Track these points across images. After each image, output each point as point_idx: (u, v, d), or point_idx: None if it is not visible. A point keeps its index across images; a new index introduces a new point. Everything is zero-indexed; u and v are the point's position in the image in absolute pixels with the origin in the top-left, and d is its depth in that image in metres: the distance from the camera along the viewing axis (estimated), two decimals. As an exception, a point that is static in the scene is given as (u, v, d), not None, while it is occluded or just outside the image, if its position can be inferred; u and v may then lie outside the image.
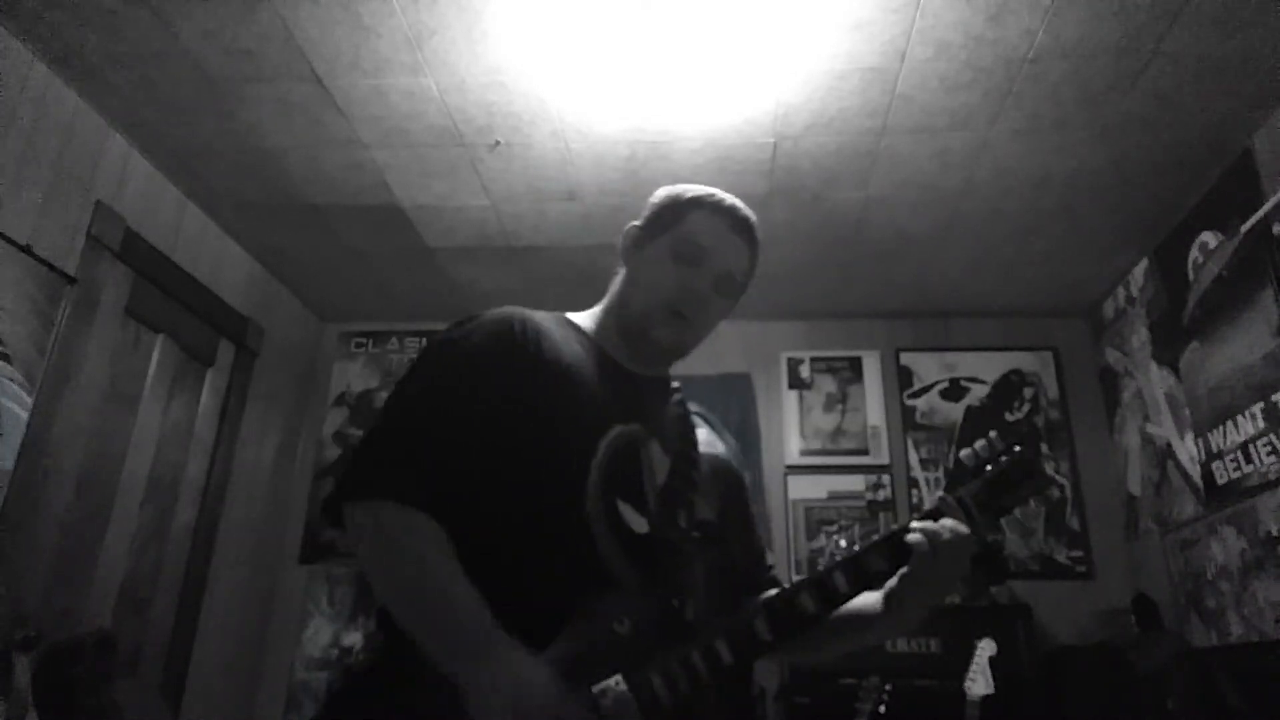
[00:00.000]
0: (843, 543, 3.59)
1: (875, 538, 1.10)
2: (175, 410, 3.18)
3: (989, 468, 1.09)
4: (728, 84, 2.56)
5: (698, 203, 1.26)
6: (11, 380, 2.39)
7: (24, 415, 2.42)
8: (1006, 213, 3.23)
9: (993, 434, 1.11)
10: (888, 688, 2.66)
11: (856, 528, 3.74)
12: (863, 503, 3.79)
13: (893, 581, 1.11)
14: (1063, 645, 3.37)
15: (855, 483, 3.83)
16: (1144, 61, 2.44)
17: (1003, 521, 3.57)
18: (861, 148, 2.85)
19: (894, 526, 1.09)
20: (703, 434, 1.31)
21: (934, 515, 1.08)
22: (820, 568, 1.18)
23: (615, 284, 1.31)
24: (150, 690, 2.97)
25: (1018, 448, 1.09)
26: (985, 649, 2.65)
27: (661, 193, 1.31)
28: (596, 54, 2.45)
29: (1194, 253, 3.09)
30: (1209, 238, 3.00)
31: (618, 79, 2.55)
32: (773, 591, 1.21)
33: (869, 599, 1.14)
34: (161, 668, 3.07)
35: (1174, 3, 2.23)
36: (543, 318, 1.21)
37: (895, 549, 1.07)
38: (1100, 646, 3.20)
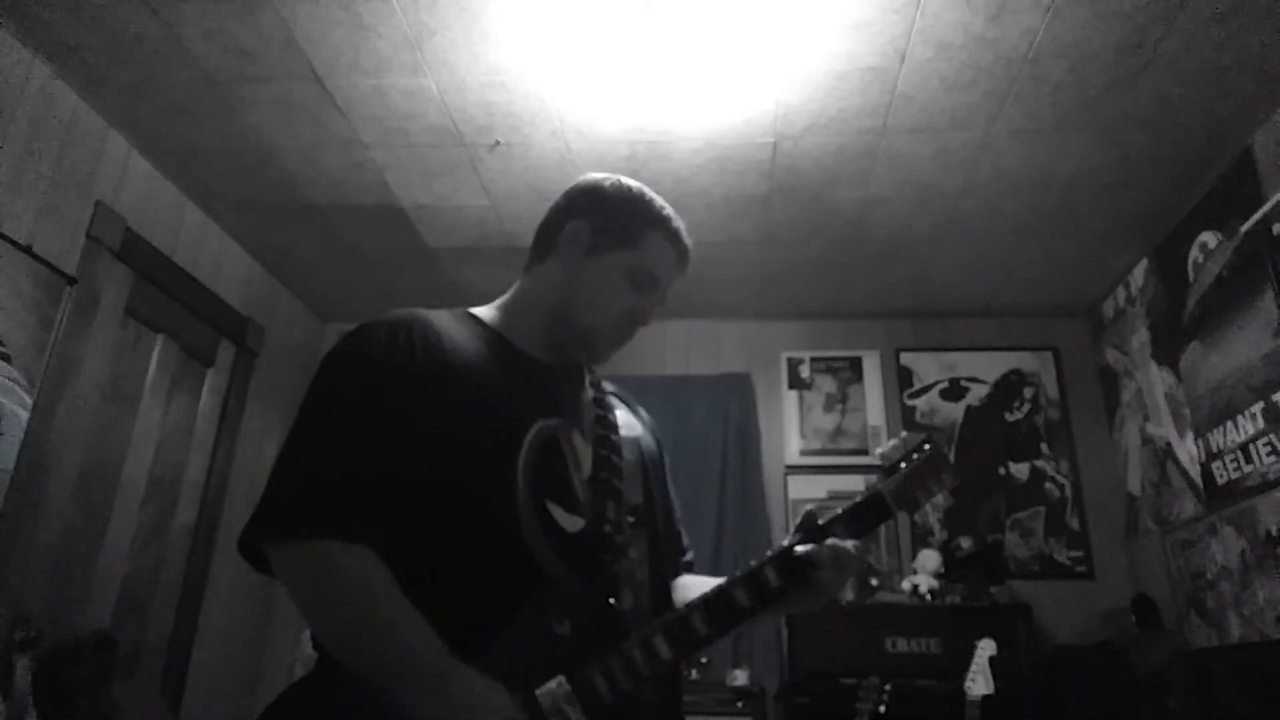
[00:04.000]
0: (843, 543, 3.58)
1: (791, 536, 1.14)
2: (175, 410, 3.18)
3: (903, 465, 1.19)
4: (728, 84, 2.56)
5: (655, 223, 1.24)
6: (11, 380, 2.39)
7: (24, 415, 2.42)
8: (1006, 213, 3.23)
9: (905, 434, 1.15)
10: (888, 688, 2.66)
11: (856, 528, 3.73)
12: (863, 503, 3.79)
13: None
14: (1063, 645, 3.37)
15: (855, 483, 3.82)
16: (1144, 61, 2.44)
17: (1005, 523, 3.63)
18: (861, 148, 2.85)
19: (808, 516, 1.16)
20: (621, 415, 1.29)
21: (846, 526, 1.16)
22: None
23: (548, 278, 1.26)
24: (150, 690, 2.97)
25: (927, 446, 1.19)
26: (985, 649, 2.65)
27: (615, 194, 1.26)
28: (596, 54, 2.45)
29: (1194, 253, 3.09)
30: (1209, 238, 3.00)
31: (618, 79, 2.55)
32: (706, 583, 1.20)
33: None
34: (161, 668, 3.07)
35: (1174, 3, 2.23)
36: (439, 317, 1.17)
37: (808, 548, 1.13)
38: (1100, 646, 3.20)
